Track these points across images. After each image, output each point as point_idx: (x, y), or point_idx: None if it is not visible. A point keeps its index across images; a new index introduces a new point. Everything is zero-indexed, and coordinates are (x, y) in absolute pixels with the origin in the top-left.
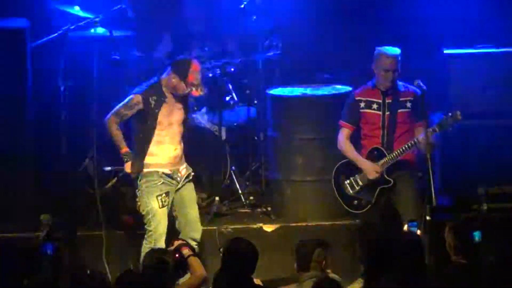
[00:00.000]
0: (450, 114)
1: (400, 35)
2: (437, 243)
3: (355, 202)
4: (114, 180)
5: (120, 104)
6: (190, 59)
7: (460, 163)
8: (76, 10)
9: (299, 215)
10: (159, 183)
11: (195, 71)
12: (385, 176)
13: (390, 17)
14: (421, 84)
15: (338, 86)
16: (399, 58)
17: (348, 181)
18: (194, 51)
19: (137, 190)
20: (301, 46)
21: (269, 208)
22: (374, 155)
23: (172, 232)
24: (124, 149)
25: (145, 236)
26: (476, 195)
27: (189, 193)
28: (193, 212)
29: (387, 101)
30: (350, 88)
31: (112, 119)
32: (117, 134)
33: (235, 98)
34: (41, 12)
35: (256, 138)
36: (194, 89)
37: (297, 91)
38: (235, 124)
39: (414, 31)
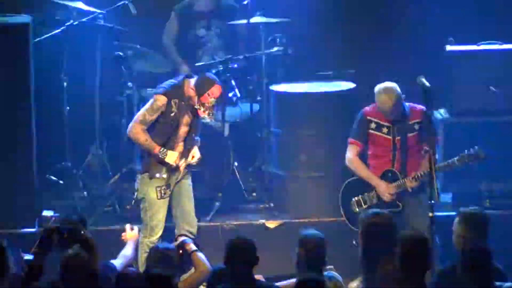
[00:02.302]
0: (472, 151)
1: (403, 32)
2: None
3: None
4: (117, 176)
5: (143, 110)
6: (215, 82)
7: None
8: (79, 5)
9: (302, 211)
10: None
11: (212, 95)
12: (396, 200)
13: (394, 14)
14: (424, 81)
15: (342, 83)
16: (400, 97)
17: (355, 199)
18: (199, 30)
19: (137, 178)
20: (305, 42)
21: (272, 204)
22: (388, 177)
23: (171, 228)
24: (157, 148)
25: (141, 227)
26: (478, 191)
27: (186, 186)
28: (190, 205)
29: (396, 125)
30: (353, 85)
31: (138, 128)
32: (147, 139)
33: (238, 94)
34: (44, 7)
35: (259, 134)
36: (202, 109)
37: (301, 87)
38: (238, 120)
39: (417, 29)
